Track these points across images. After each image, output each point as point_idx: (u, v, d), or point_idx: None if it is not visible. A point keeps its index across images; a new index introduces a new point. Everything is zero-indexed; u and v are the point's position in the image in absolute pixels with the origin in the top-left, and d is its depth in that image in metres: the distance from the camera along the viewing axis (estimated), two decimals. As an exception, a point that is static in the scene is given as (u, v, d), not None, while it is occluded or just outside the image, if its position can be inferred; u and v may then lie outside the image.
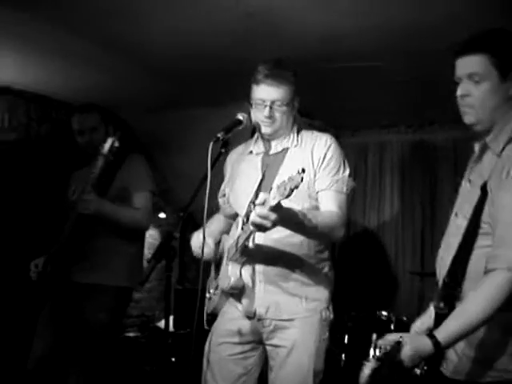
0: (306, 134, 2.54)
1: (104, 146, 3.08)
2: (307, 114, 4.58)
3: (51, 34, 3.49)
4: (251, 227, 2.07)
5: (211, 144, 2.20)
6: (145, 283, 2.16)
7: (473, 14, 2.94)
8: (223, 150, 2.27)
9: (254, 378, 2.50)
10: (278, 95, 2.39)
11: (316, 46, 3.53)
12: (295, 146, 2.50)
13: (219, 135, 2.24)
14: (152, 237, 5.45)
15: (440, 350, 1.65)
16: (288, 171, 2.40)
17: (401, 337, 1.69)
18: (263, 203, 1.95)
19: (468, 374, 1.78)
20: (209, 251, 2.49)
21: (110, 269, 3.25)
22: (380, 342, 1.72)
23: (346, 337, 3.61)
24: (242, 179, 2.58)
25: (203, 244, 2.24)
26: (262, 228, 2.01)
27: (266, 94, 2.40)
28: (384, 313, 3.65)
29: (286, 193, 1.88)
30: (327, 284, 2.50)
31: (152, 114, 5.09)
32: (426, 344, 1.65)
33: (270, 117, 2.41)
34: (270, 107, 2.41)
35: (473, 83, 1.83)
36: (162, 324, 4.97)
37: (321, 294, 2.46)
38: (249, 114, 2.45)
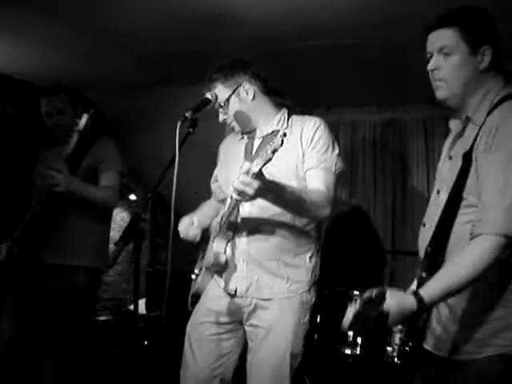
0: (297, 119, 2.55)
1: (79, 123, 3.06)
2: (279, 92, 4.55)
3: (18, 14, 3.41)
4: (234, 195, 2.06)
5: (179, 123, 2.17)
6: (112, 266, 2.14)
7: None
8: (191, 130, 2.26)
9: (233, 359, 2.51)
10: (218, 99, 2.46)
11: (287, 23, 3.49)
12: (285, 128, 2.50)
13: (187, 114, 2.23)
14: (123, 219, 5.40)
15: (423, 307, 1.66)
16: (277, 153, 2.40)
17: (385, 289, 1.70)
18: (247, 172, 1.94)
19: (450, 351, 1.80)
20: (195, 233, 2.52)
21: (78, 249, 3.25)
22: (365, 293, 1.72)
23: (319, 316, 3.62)
24: (232, 163, 2.59)
25: (172, 224, 2.24)
26: (244, 195, 2.00)
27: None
28: (356, 292, 3.67)
29: (268, 156, 1.89)
30: (312, 266, 2.48)
31: (122, 94, 5.01)
32: (410, 300, 1.67)
33: (224, 119, 2.52)
34: (222, 107, 2.49)
35: (443, 57, 1.85)
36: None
37: (304, 275, 2.45)
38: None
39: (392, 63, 3.99)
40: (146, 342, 4.13)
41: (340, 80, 4.53)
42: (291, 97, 4.71)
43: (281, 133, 1.90)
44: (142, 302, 4.50)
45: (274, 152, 1.89)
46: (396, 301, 1.68)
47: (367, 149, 5.30)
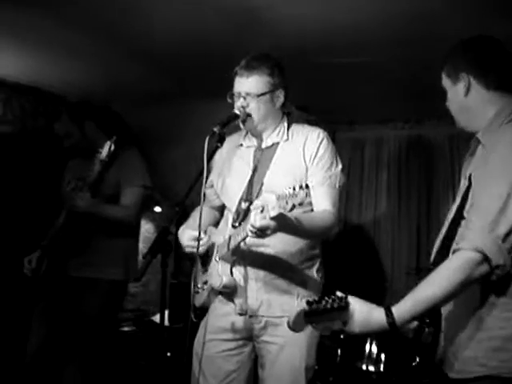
0: (297, 128, 2.51)
1: (102, 152, 3.10)
2: (304, 108, 4.57)
3: (46, 26, 3.47)
4: (249, 233, 2.06)
5: (207, 138, 2.18)
6: (141, 279, 2.16)
7: (472, 5, 2.94)
8: (219, 145, 2.26)
9: (243, 375, 2.49)
10: (248, 87, 2.38)
11: (314, 40, 3.51)
12: (285, 140, 2.47)
13: (215, 129, 2.23)
14: (148, 231, 5.42)
15: (393, 322, 1.65)
16: (279, 167, 2.42)
17: (346, 296, 1.67)
18: (262, 210, 1.94)
19: (454, 371, 1.79)
20: (203, 248, 2.47)
21: (105, 263, 3.28)
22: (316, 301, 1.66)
23: (342, 332, 3.60)
24: (232, 173, 2.55)
25: (199, 241, 2.24)
26: (260, 236, 2.04)
27: (238, 85, 2.41)
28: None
29: (288, 207, 1.88)
30: (318, 280, 2.49)
31: (148, 106, 5.06)
32: (379, 314, 1.67)
33: (243, 107, 2.39)
34: (244, 98, 2.39)
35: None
36: (157, 318, 4.96)
37: (312, 289, 2.45)
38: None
39: (417, 79, 3.98)
40: (168, 354, 4.14)
41: (365, 96, 4.54)
42: (316, 113, 4.75)
43: (303, 185, 1.89)
44: (165, 314, 4.49)
45: (295, 206, 1.88)
46: (365, 310, 1.68)
47: (392, 165, 5.28)
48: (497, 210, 1.65)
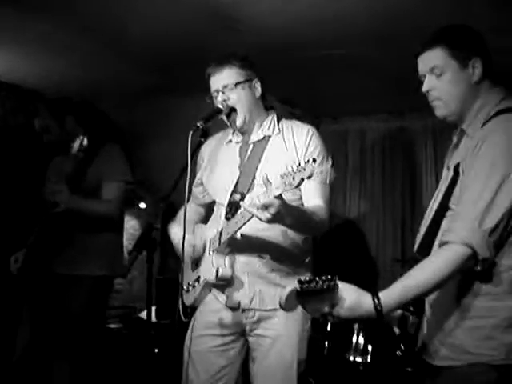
0: (287, 123, 2.52)
1: (73, 146, 3.11)
2: (288, 102, 4.57)
3: (25, 23, 3.44)
4: (255, 212, 2.00)
5: (191, 133, 2.18)
6: (126, 275, 2.16)
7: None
8: (202, 140, 2.27)
9: (235, 370, 2.49)
10: (223, 80, 2.41)
11: (296, 33, 3.51)
12: (277, 133, 2.48)
13: (199, 124, 2.23)
14: (133, 228, 5.41)
15: (381, 311, 1.65)
16: (270, 160, 2.41)
17: (335, 277, 1.65)
18: (265, 190, 1.93)
19: (440, 357, 1.81)
20: (191, 249, 2.47)
21: (89, 259, 3.28)
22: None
23: (329, 324, 3.62)
24: (221, 168, 2.54)
25: (184, 236, 2.23)
26: (264, 215, 1.98)
27: (214, 83, 2.44)
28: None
29: (296, 183, 1.85)
30: (308, 273, 2.49)
31: (132, 103, 5.05)
32: (367, 300, 1.66)
33: (224, 101, 2.41)
34: (223, 92, 2.41)
35: (435, 77, 1.90)
36: (144, 315, 4.96)
37: None
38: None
39: (399, 72, 3.99)
40: (156, 350, 4.14)
41: (349, 88, 4.55)
42: (301, 106, 4.76)
43: (310, 158, 1.85)
44: (152, 310, 4.48)
45: (303, 180, 1.84)
46: (353, 295, 1.67)
47: (376, 157, 5.31)
48: (485, 205, 1.67)
